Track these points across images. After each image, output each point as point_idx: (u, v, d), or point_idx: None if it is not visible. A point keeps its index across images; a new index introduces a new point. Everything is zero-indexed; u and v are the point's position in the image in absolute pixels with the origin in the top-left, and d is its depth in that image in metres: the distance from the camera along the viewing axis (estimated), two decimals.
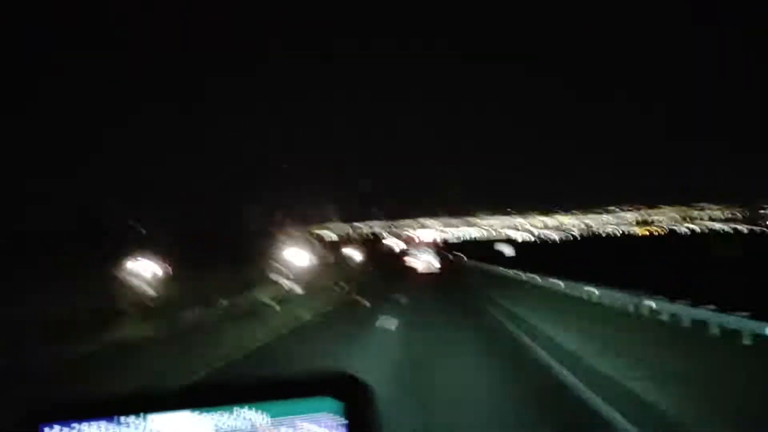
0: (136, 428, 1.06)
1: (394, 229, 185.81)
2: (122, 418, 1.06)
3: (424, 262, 59.80)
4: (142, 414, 1.06)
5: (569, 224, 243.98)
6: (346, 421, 1.04)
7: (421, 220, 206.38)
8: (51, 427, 1.04)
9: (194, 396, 1.09)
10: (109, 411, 1.06)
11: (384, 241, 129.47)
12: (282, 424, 1.05)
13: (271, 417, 1.05)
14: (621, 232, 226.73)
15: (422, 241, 64.85)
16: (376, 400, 1.07)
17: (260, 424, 1.06)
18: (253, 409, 1.06)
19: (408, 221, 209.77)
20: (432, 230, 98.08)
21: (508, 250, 77.11)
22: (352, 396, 1.06)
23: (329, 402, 1.06)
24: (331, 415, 1.05)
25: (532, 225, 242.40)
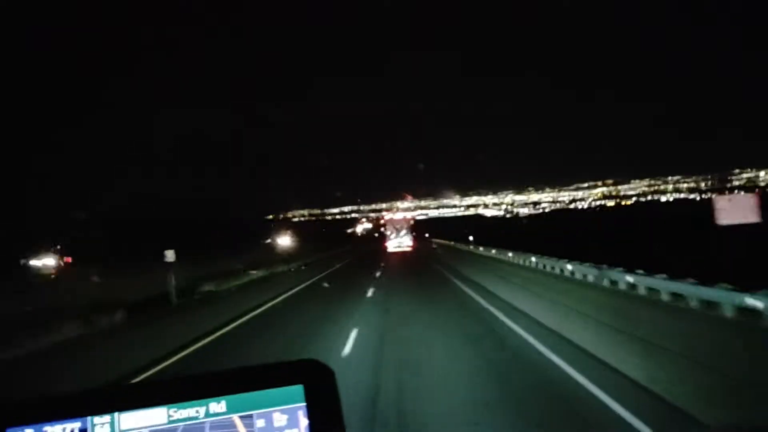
0: (107, 428, 1.05)
1: (369, 215, 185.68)
2: (94, 418, 1.04)
3: (397, 241, 61.83)
4: (113, 413, 1.05)
5: (540, 200, 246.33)
6: (305, 403, 1.05)
7: (395, 203, 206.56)
8: (20, 430, 1.03)
9: (165, 392, 1.08)
10: (79, 411, 1.05)
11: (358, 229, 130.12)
12: (252, 415, 1.06)
13: (242, 408, 1.06)
14: (588, 206, 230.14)
15: (396, 224, 64.56)
16: (336, 382, 1.08)
17: (231, 416, 1.06)
18: (223, 401, 1.06)
19: (381, 205, 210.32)
20: (405, 213, 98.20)
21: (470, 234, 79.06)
22: (311, 379, 1.07)
23: (299, 391, 1.06)
24: (300, 404, 1.06)
25: (502, 202, 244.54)
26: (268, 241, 55.29)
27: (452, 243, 60.25)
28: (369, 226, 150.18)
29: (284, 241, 49.13)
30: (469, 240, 53.61)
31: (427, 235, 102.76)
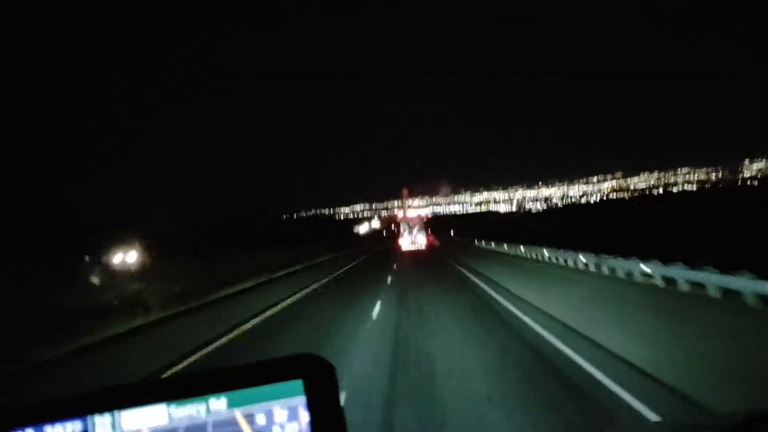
0: (109, 426, 1.05)
1: (381, 212, 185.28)
2: (95, 417, 1.05)
3: (411, 239, 60.23)
4: (114, 411, 1.05)
5: (552, 195, 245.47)
6: (305, 397, 1.05)
7: (408, 201, 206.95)
8: (23, 431, 1.03)
9: (164, 390, 1.09)
10: (81, 410, 1.05)
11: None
12: (254, 410, 1.06)
13: (242, 404, 1.06)
14: (598, 198, 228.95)
15: (410, 222, 63.52)
16: (336, 377, 1.08)
17: (233, 412, 1.06)
18: (224, 398, 1.06)
19: (392, 202, 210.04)
20: (418, 210, 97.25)
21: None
22: (311, 374, 1.07)
23: (298, 385, 1.06)
24: (301, 398, 1.06)
25: (513, 198, 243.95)
26: None
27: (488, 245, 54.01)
28: (376, 224, 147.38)
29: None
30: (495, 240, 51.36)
31: (452, 232, 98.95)
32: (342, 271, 34.20)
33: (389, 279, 25.06)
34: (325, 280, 27.70)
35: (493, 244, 48.04)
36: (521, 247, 37.38)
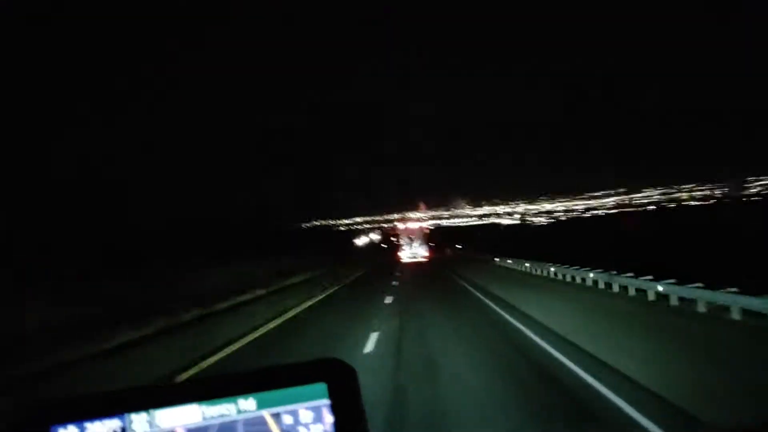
0: (143, 424, 1.11)
1: (381, 225, 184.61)
2: (131, 416, 1.11)
3: (412, 252, 60.39)
4: (148, 410, 1.11)
5: (554, 210, 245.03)
6: (330, 401, 1.11)
7: (408, 213, 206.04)
8: (65, 427, 1.09)
9: (198, 390, 1.15)
10: (118, 409, 1.11)
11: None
12: (281, 411, 1.12)
13: (270, 405, 1.12)
14: (603, 214, 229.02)
15: (410, 234, 63.69)
16: (358, 380, 1.13)
17: (262, 413, 1.12)
18: (252, 399, 1.12)
19: (393, 215, 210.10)
20: (419, 222, 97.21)
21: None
22: (335, 377, 1.13)
23: (322, 388, 1.12)
24: (324, 400, 1.11)
25: (515, 212, 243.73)
26: None
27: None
28: (376, 237, 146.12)
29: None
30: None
31: (459, 246, 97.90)
32: (330, 292, 29.44)
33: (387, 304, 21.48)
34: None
35: (497, 259, 48.64)
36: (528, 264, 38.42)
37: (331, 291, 30.89)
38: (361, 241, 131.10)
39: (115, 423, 1.10)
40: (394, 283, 33.20)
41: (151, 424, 1.11)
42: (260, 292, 28.98)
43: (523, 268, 39.27)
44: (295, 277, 37.56)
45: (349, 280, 37.75)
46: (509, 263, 44.43)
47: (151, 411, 1.11)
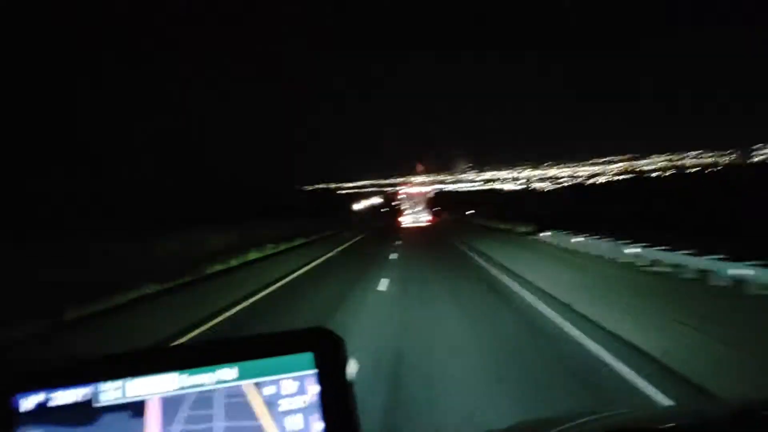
0: (115, 393, 1.03)
1: (384, 190, 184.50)
2: (100, 384, 1.03)
3: (413, 217, 60.44)
4: (120, 379, 1.03)
5: (557, 175, 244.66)
6: (316, 370, 1.04)
7: (411, 177, 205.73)
8: (26, 397, 1.01)
9: (175, 358, 1.07)
10: (87, 377, 1.03)
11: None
12: (263, 381, 1.04)
13: (252, 375, 1.04)
14: (605, 180, 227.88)
15: (413, 199, 63.64)
16: (345, 350, 1.06)
17: (242, 383, 1.04)
18: (234, 368, 1.04)
19: (397, 179, 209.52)
20: (422, 187, 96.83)
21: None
22: (322, 347, 1.06)
23: (308, 358, 1.05)
24: (310, 371, 1.04)
25: (520, 177, 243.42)
26: None
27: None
28: (378, 201, 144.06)
29: None
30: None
31: (472, 211, 78.44)
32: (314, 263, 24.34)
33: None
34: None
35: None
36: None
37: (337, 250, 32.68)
38: (361, 205, 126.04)
39: (83, 391, 1.02)
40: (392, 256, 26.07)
41: (122, 392, 1.03)
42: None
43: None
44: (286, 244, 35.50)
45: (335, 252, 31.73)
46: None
47: (124, 380, 1.03)
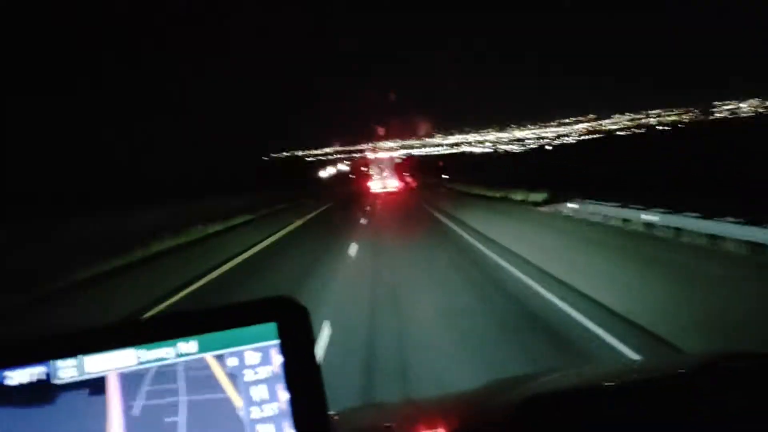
0: (72, 370, 1.00)
1: (352, 156, 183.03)
2: (57, 362, 1.00)
3: (382, 183, 59.64)
4: (76, 356, 1.00)
5: (524, 137, 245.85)
6: (279, 341, 1.02)
7: (378, 143, 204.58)
8: None
9: (132, 333, 1.03)
10: (42, 355, 1.00)
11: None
12: (225, 354, 1.02)
13: (213, 348, 1.02)
14: (574, 141, 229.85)
15: (380, 164, 63.13)
16: (309, 319, 1.04)
17: (203, 356, 1.02)
18: (194, 341, 1.01)
19: (364, 145, 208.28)
20: (389, 152, 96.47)
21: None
22: (285, 317, 1.03)
23: (272, 328, 1.03)
24: (273, 341, 1.02)
25: (486, 140, 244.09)
26: None
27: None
28: (345, 167, 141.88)
29: None
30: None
31: (446, 176, 71.42)
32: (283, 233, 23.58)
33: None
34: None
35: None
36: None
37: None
38: (328, 172, 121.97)
39: (38, 370, 0.99)
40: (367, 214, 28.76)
41: (79, 369, 1.00)
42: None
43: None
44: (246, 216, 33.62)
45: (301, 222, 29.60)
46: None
47: (80, 357, 1.00)
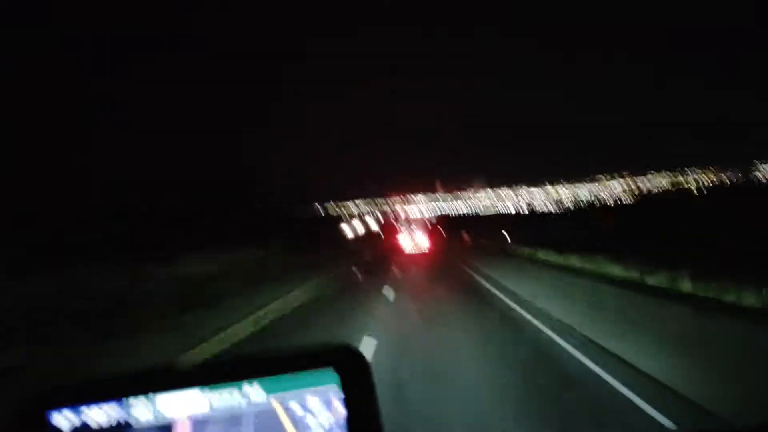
0: (144, 408, 1.05)
1: (382, 207, 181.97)
2: (130, 400, 1.05)
3: (413, 243, 56.82)
4: (149, 394, 1.06)
5: (559, 195, 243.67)
6: (344, 395, 1.06)
7: (409, 196, 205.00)
8: (59, 412, 1.03)
9: (201, 374, 1.09)
10: (117, 393, 1.06)
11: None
12: (288, 397, 1.06)
13: (278, 391, 1.06)
14: (612, 201, 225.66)
15: (411, 223, 62.20)
16: (371, 371, 1.08)
17: (270, 401, 1.06)
18: (259, 384, 1.06)
19: (395, 198, 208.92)
20: (420, 206, 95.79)
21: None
22: (348, 368, 1.07)
23: (330, 374, 1.06)
24: (332, 386, 1.06)
25: (519, 198, 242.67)
26: None
27: None
28: (373, 222, 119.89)
29: None
30: None
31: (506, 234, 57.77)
32: None
33: None
34: None
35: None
36: None
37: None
38: (352, 227, 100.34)
39: (114, 409, 1.05)
40: None
41: (154, 412, 1.05)
42: None
43: None
44: None
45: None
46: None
47: (151, 395, 1.05)
